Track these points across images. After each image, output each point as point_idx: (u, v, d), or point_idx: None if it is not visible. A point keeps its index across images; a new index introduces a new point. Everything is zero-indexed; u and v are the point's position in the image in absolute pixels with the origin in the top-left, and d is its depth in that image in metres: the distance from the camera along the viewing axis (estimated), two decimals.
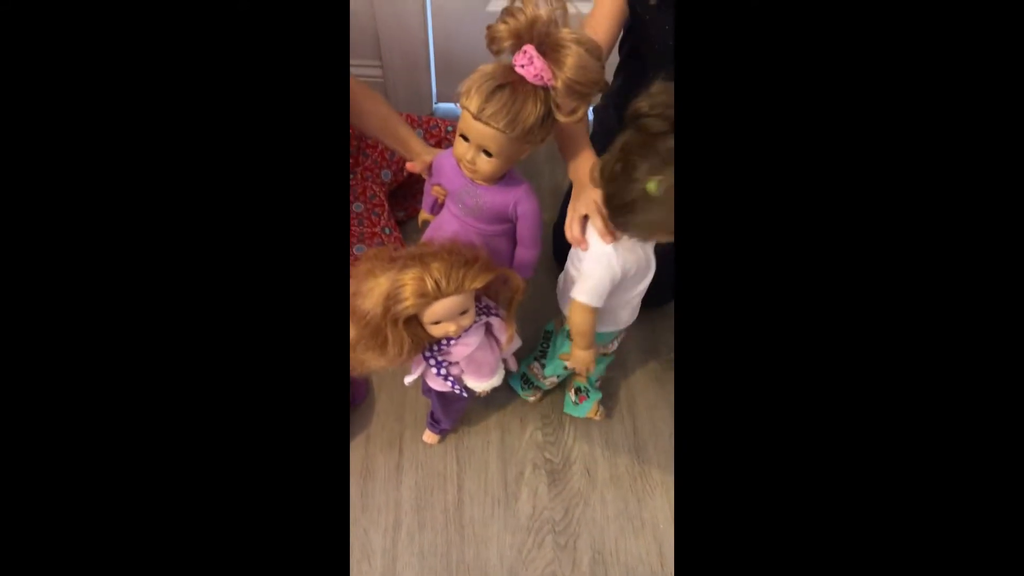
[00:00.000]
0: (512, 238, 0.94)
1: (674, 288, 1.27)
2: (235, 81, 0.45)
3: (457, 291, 0.74)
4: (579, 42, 0.72)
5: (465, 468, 1.14)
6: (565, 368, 1.01)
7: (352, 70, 1.16)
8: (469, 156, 0.81)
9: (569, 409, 1.17)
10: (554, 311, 1.05)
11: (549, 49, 0.73)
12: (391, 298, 0.74)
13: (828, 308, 0.45)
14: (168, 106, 0.44)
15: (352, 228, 1.22)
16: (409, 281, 0.73)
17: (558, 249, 1.29)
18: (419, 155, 1.00)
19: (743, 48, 0.45)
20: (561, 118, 0.76)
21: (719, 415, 0.47)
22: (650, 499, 1.12)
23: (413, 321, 0.80)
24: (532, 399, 1.21)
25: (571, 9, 0.75)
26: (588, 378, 1.11)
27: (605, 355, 1.07)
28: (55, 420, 0.43)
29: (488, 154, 0.80)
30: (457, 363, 0.89)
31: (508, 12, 0.73)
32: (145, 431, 0.45)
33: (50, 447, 0.43)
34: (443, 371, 0.89)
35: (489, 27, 0.75)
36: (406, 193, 1.40)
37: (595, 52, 0.74)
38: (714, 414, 0.47)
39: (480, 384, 0.91)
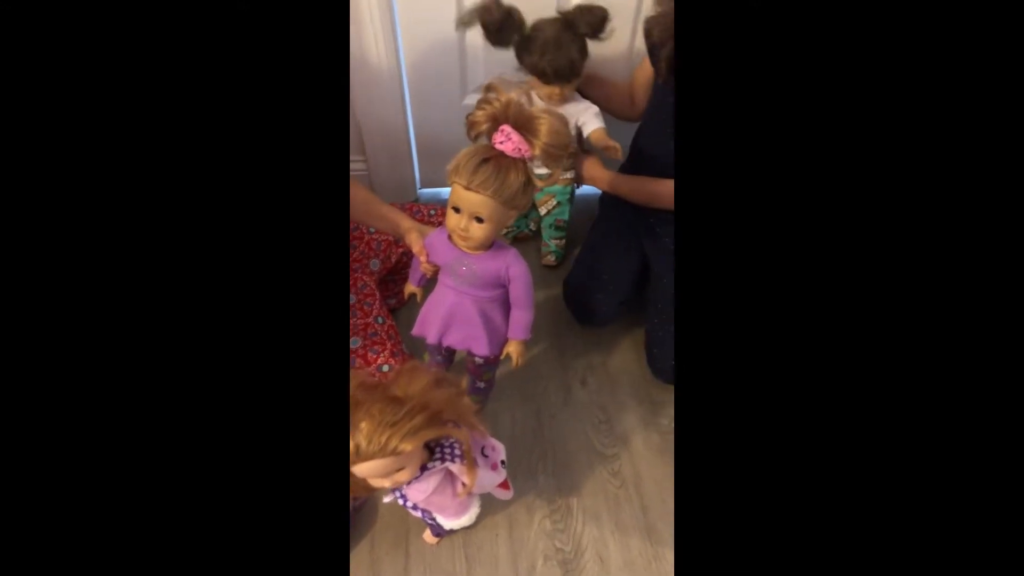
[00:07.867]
0: (505, 303, 0.99)
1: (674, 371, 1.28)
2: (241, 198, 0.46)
3: (379, 455, 0.70)
4: (549, 113, 0.82)
5: (475, 566, 1.07)
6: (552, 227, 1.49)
7: None
8: (463, 224, 0.87)
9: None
10: (556, 388, 1.20)
11: (523, 124, 0.82)
12: None
13: (829, 390, 0.45)
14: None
15: None
16: None
17: (578, 309, 1.39)
18: (408, 230, 1.03)
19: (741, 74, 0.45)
20: (539, 184, 0.86)
21: (721, 494, 0.46)
22: None
23: None
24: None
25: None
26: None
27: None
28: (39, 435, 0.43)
29: (480, 220, 0.86)
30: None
31: (484, 100, 0.83)
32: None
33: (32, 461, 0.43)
34: (408, 504, 0.87)
35: (468, 116, 0.85)
36: (395, 279, 1.40)
37: (562, 120, 0.84)
38: (716, 493, 0.46)
39: (449, 523, 0.86)
